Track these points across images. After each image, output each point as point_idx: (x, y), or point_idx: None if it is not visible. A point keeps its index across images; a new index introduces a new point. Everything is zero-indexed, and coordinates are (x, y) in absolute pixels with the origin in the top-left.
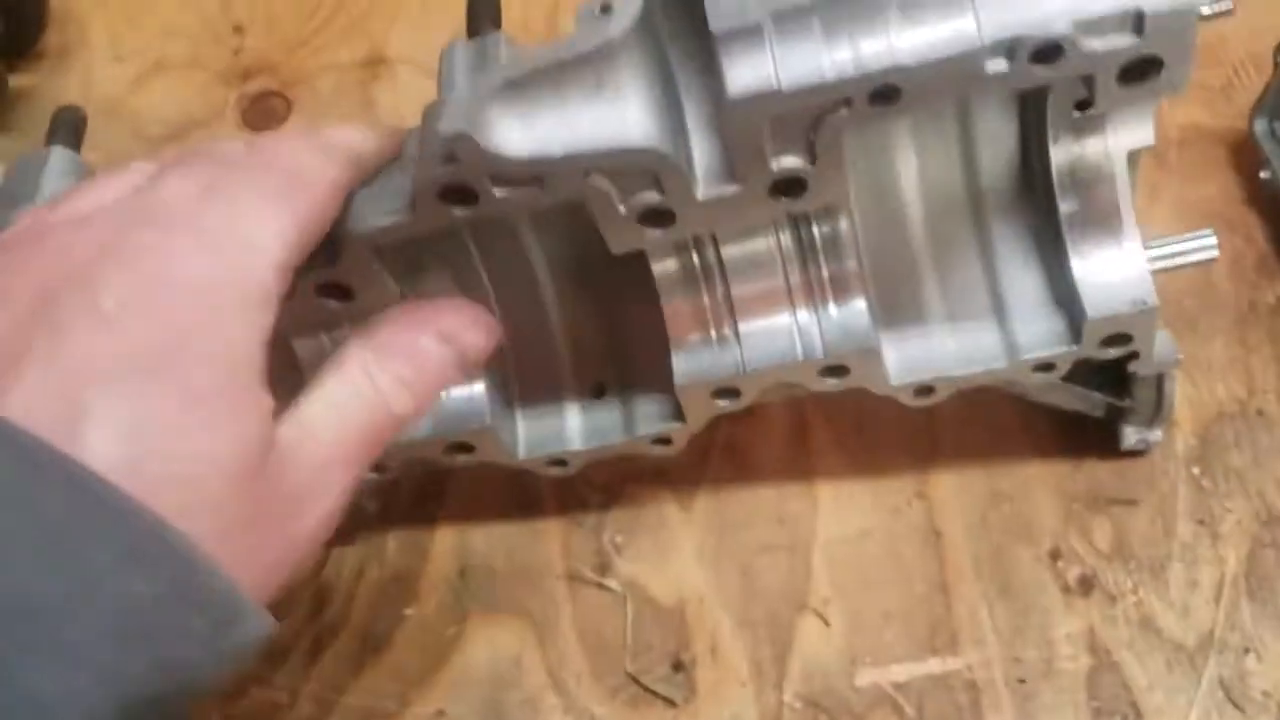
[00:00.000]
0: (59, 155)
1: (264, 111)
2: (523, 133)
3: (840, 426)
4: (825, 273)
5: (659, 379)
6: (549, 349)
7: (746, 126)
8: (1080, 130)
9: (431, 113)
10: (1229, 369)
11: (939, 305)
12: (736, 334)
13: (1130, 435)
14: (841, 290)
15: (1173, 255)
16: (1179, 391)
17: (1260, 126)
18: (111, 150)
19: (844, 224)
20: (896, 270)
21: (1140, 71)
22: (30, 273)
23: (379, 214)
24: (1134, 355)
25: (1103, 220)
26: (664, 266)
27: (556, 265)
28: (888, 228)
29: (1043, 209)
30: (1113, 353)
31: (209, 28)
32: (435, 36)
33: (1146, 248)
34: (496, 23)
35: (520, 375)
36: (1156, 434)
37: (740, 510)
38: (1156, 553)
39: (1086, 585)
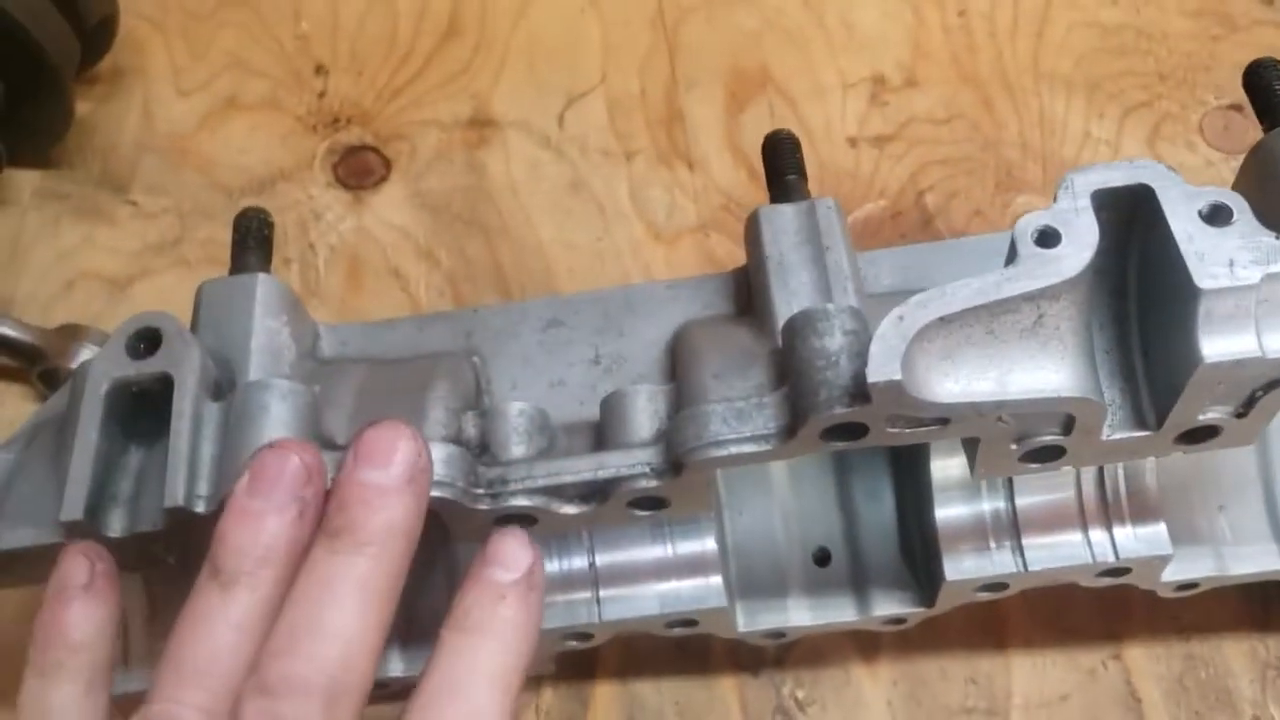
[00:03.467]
0: (267, 285)
1: (359, 168)
2: (946, 375)
3: None
4: (1123, 490)
5: (891, 550)
6: (768, 514)
7: (1205, 385)
8: None
9: (816, 327)
10: None
11: (1223, 529)
12: (1019, 545)
13: None
14: (1140, 510)
15: None
16: None
17: None
18: (183, 201)
19: None
20: (1189, 491)
21: None
22: None
23: (736, 437)
24: None
25: None
26: (945, 470)
27: None
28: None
29: None
30: None
31: (286, 64)
32: (546, 100)
33: None
34: (802, 184)
35: (738, 544)
36: None
37: (929, 667)
38: None
39: None
